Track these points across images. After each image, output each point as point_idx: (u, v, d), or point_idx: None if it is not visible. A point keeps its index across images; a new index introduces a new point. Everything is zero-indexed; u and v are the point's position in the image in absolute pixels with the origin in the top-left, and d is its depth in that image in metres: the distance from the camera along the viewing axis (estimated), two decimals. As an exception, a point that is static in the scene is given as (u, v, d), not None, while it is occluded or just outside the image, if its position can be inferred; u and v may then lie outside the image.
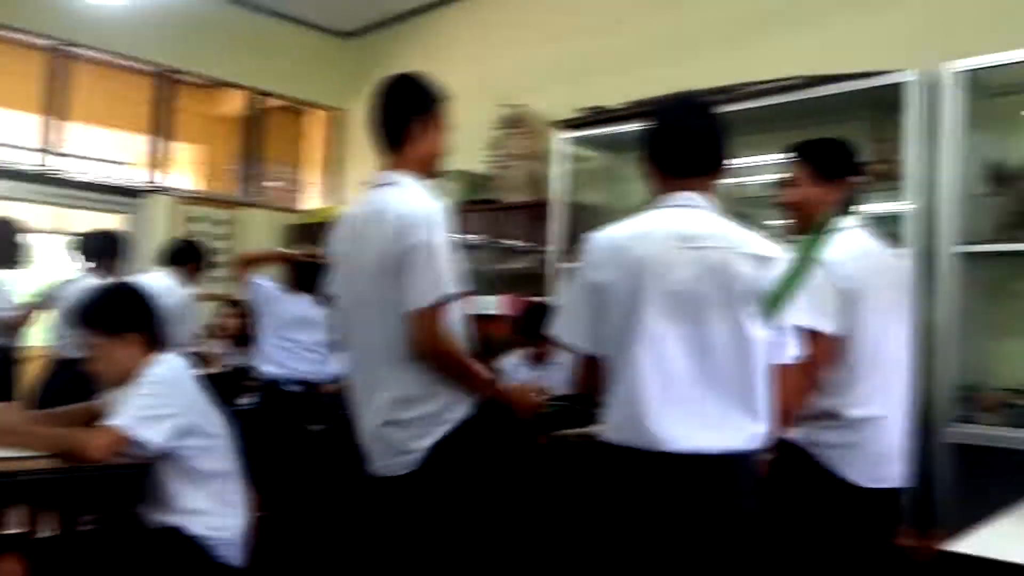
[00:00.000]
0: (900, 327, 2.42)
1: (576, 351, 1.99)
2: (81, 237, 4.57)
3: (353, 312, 2.26)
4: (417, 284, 2.07)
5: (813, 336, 2.20)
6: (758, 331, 1.86)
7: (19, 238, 4.53)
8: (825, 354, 2.24)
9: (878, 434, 2.33)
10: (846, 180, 2.44)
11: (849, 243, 2.36)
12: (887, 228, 3.60)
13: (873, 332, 2.32)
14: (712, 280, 1.84)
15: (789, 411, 2.03)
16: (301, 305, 4.37)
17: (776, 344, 1.92)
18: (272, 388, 4.32)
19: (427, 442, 2.13)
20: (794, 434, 2.38)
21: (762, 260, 1.89)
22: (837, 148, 2.52)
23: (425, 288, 2.08)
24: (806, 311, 2.19)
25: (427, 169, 2.30)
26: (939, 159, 3.35)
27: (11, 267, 4.52)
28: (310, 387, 4.33)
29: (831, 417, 2.32)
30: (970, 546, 1.56)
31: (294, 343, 4.33)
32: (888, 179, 3.70)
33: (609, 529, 1.90)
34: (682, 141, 2.01)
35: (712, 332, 1.84)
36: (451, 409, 2.15)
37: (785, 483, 2.35)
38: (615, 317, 1.87)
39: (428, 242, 2.09)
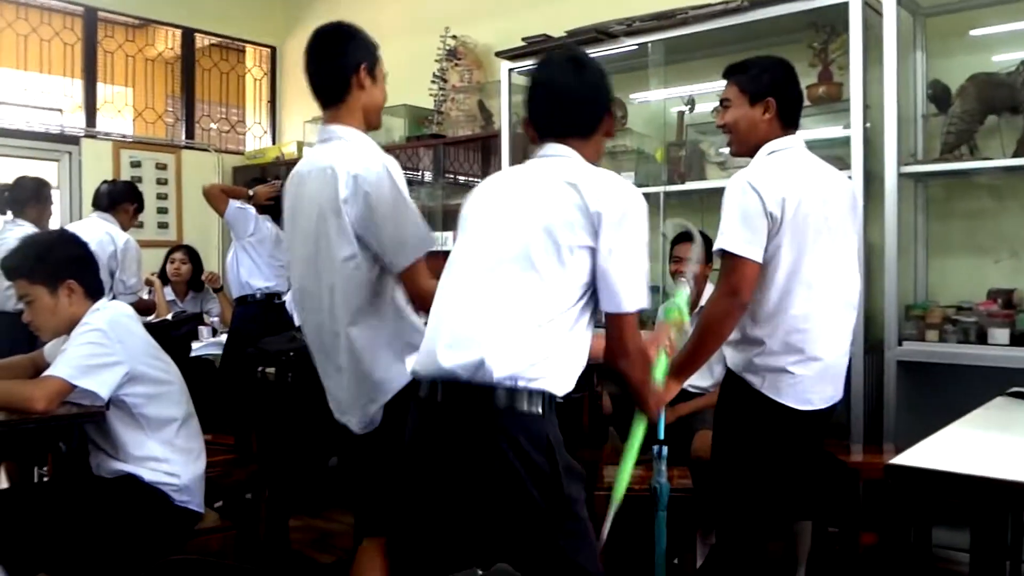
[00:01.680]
0: (838, 251, 2.39)
1: None
2: (4, 187, 4.40)
3: (303, 273, 2.18)
4: (399, 242, 2.02)
5: (739, 261, 2.23)
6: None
7: None
8: (750, 280, 2.25)
9: (808, 361, 2.33)
10: (777, 99, 2.38)
11: (782, 166, 2.35)
12: (832, 151, 3.64)
13: (805, 257, 2.31)
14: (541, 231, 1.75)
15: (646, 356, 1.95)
16: (276, 228, 4.67)
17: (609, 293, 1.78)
18: (271, 299, 4.62)
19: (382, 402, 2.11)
20: (731, 361, 2.43)
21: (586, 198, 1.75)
22: (765, 67, 2.43)
23: (409, 244, 2.04)
24: (733, 237, 2.24)
25: (370, 122, 2.22)
26: (881, 80, 3.35)
27: None
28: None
29: (758, 344, 2.34)
30: (915, 459, 1.60)
31: (278, 261, 4.63)
32: (832, 101, 3.72)
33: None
34: (550, 102, 1.92)
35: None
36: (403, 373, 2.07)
37: (728, 407, 2.43)
38: None
39: (394, 200, 2.03)
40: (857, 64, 3.41)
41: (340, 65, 2.18)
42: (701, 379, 3.43)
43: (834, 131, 3.72)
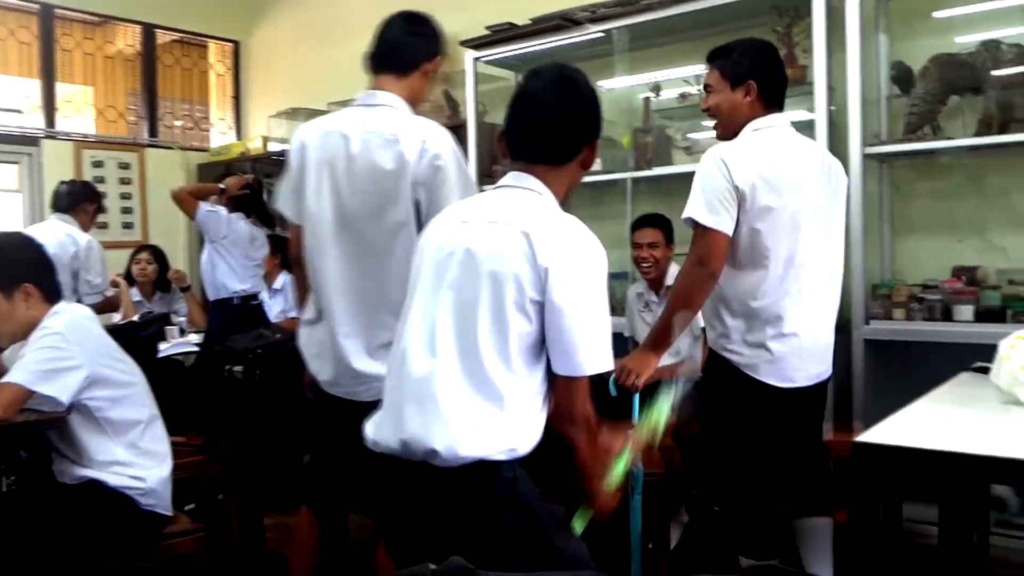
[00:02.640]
0: (818, 230, 2.41)
1: None
2: None
3: (336, 231, 2.19)
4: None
5: (706, 232, 2.28)
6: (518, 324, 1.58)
7: None
8: (718, 250, 2.29)
9: (785, 338, 2.36)
10: (758, 81, 2.42)
11: (758, 144, 2.37)
12: (798, 132, 3.65)
13: (779, 235, 2.33)
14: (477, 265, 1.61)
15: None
16: (249, 226, 4.70)
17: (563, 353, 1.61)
18: (248, 302, 4.66)
19: None
20: (710, 339, 2.47)
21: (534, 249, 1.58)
22: (745, 50, 2.48)
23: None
24: (698, 207, 2.29)
25: (415, 105, 2.28)
26: (845, 63, 3.37)
27: None
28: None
29: (735, 321, 2.39)
30: (881, 436, 1.61)
31: (253, 261, 4.67)
32: (797, 84, 3.73)
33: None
34: (531, 122, 1.74)
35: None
36: None
37: (711, 386, 2.46)
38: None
39: (460, 171, 2.09)
40: (820, 47, 3.42)
41: (422, 44, 2.31)
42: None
43: (799, 114, 3.72)
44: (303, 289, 2.39)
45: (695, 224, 2.31)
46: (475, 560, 1.27)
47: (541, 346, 1.61)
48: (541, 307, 1.58)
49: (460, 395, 1.55)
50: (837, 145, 3.43)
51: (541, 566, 1.54)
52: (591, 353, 1.59)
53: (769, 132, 2.41)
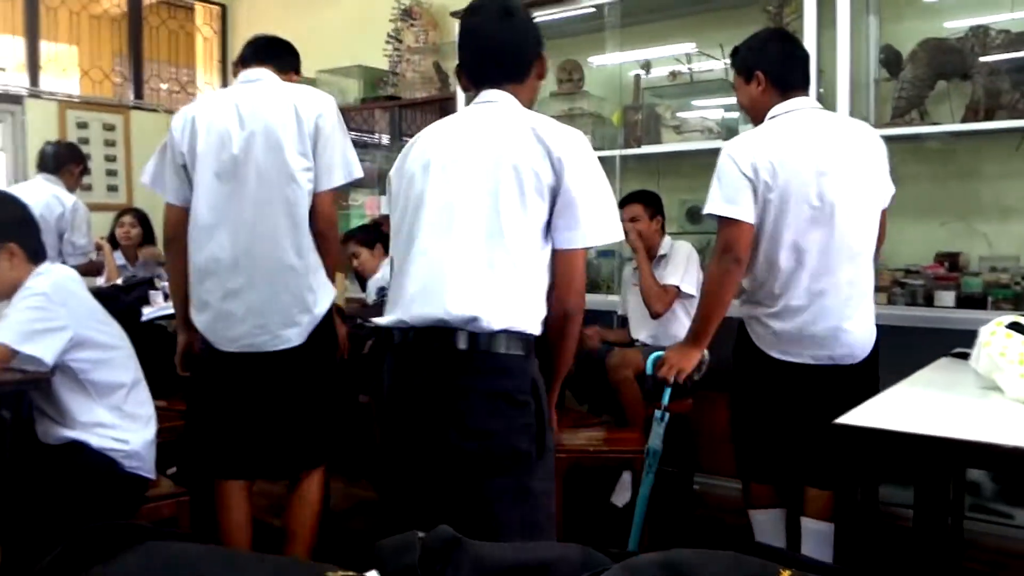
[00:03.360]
0: (834, 212, 2.38)
1: None
2: None
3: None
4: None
5: (727, 223, 2.36)
6: (518, 225, 1.75)
7: None
8: (742, 239, 2.36)
9: (788, 316, 2.42)
10: (763, 69, 2.49)
11: (766, 132, 2.43)
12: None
13: (787, 219, 2.36)
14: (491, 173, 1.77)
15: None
16: None
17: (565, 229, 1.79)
18: None
19: None
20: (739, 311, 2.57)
21: (548, 146, 1.77)
22: (747, 44, 2.58)
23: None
24: (715, 200, 2.37)
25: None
26: (835, 45, 3.37)
27: None
28: None
29: (746, 294, 2.52)
30: (861, 418, 1.63)
31: None
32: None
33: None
34: (480, 50, 1.91)
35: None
36: None
37: (736, 352, 2.55)
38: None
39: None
40: (811, 29, 3.43)
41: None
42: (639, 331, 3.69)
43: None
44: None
45: (718, 218, 2.39)
46: (477, 422, 1.66)
47: (548, 228, 1.79)
48: (554, 192, 1.76)
49: (483, 272, 1.73)
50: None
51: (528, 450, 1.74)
52: (596, 226, 1.78)
53: (786, 117, 2.44)
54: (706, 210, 2.42)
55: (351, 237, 4.28)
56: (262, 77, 2.53)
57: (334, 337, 2.62)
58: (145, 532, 0.74)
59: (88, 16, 6.44)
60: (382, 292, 3.81)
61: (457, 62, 1.98)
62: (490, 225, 1.75)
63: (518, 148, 1.77)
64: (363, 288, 4.31)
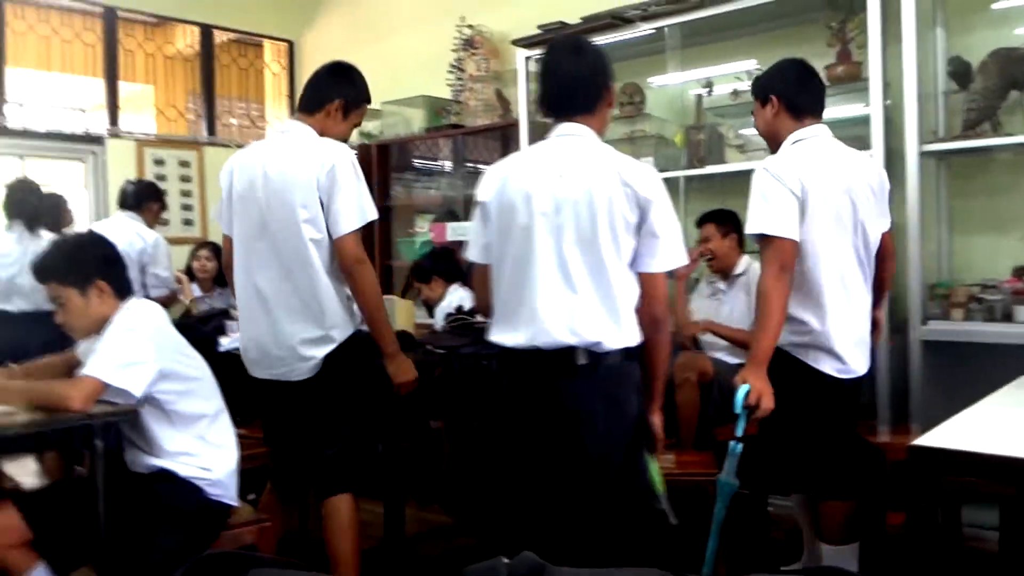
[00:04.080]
0: (859, 233, 2.54)
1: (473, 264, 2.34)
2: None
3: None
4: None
5: (772, 240, 2.42)
6: (614, 258, 2.09)
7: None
8: (788, 255, 2.42)
9: (832, 333, 2.50)
10: (777, 94, 2.61)
11: (799, 154, 2.52)
12: (853, 130, 3.62)
13: (824, 238, 2.47)
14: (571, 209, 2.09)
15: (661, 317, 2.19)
16: None
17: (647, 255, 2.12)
18: None
19: None
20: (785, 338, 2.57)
21: (635, 189, 2.08)
22: (768, 70, 2.72)
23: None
24: (760, 218, 2.43)
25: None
26: (901, 58, 3.33)
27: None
28: None
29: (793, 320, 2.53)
30: (938, 440, 1.61)
31: None
32: (852, 81, 3.70)
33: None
34: (556, 85, 2.23)
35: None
36: None
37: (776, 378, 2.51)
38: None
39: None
40: (876, 42, 3.39)
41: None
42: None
43: (854, 109, 3.70)
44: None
45: (763, 237, 2.43)
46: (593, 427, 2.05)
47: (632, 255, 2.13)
48: (639, 227, 2.10)
49: (595, 302, 2.08)
50: (893, 142, 3.40)
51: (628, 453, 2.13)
52: (673, 254, 2.14)
53: (811, 142, 2.56)
54: (755, 229, 2.46)
55: (413, 275, 4.42)
56: (290, 129, 2.76)
57: (357, 367, 2.74)
58: (250, 560, 0.79)
59: (163, 57, 6.71)
60: (450, 318, 3.87)
61: (538, 93, 2.29)
62: (593, 262, 2.08)
63: (611, 195, 2.07)
64: (431, 314, 4.37)
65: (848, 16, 3.71)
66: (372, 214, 2.66)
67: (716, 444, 3.12)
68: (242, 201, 2.71)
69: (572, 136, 2.19)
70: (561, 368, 2.09)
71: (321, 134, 2.72)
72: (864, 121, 3.46)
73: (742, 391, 2.38)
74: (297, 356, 2.66)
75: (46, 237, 4.22)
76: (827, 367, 2.53)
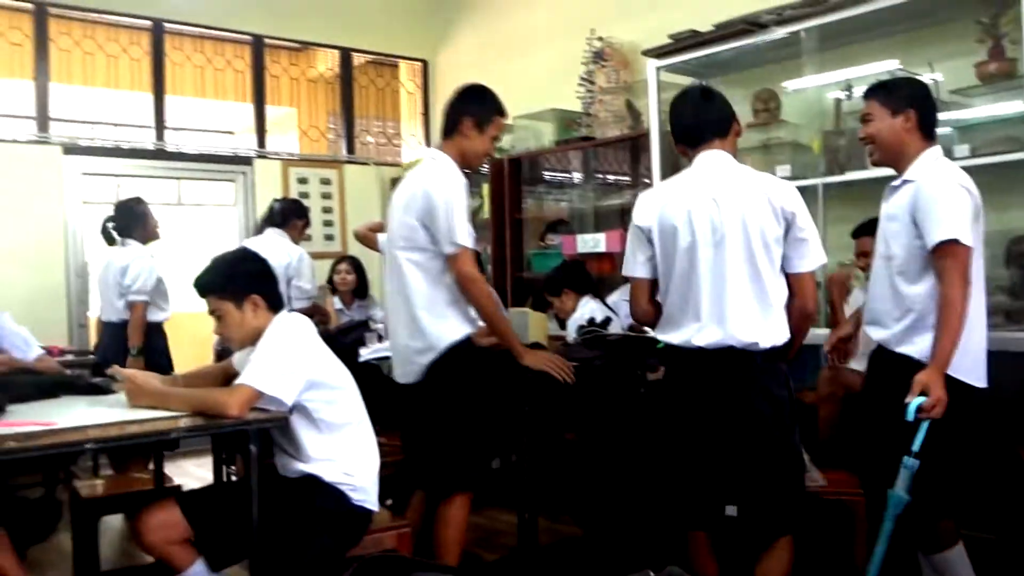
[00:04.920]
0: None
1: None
2: (108, 218, 4.70)
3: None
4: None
5: (967, 250, 2.41)
6: (768, 267, 2.41)
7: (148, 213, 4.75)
8: (970, 267, 2.42)
9: (973, 338, 2.48)
10: (916, 110, 2.56)
11: (960, 169, 2.55)
12: (1008, 130, 3.43)
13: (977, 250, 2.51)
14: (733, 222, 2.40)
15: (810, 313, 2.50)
16: None
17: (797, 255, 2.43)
18: None
19: None
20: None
21: (780, 206, 2.38)
22: (902, 83, 2.72)
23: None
24: (961, 228, 2.40)
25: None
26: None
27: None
28: None
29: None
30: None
31: None
32: (1006, 78, 3.50)
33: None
34: (694, 120, 2.56)
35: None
36: None
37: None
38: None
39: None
40: (1031, 38, 3.20)
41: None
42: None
43: (1012, 106, 3.50)
44: None
45: (949, 244, 2.39)
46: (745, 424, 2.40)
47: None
48: (785, 236, 2.41)
49: (754, 308, 2.40)
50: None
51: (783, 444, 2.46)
52: (817, 254, 2.46)
53: (950, 162, 2.60)
54: (949, 236, 2.38)
55: (544, 288, 4.48)
56: (431, 156, 2.97)
57: (469, 374, 2.87)
58: (413, 564, 0.83)
59: (306, 80, 7.05)
60: (582, 330, 3.89)
61: (672, 132, 2.64)
62: (753, 274, 2.39)
63: (760, 213, 2.38)
64: (562, 327, 4.40)
65: (1001, 11, 3.51)
66: (462, 240, 2.78)
67: (857, 461, 3.00)
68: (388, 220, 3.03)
69: (714, 161, 2.49)
70: (726, 364, 2.42)
71: (462, 153, 2.92)
72: (1020, 120, 3.27)
73: (917, 401, 2.31)
74: (409, 361, 2.91)
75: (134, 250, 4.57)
76: (975, 379, 2.48)
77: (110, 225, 4.67)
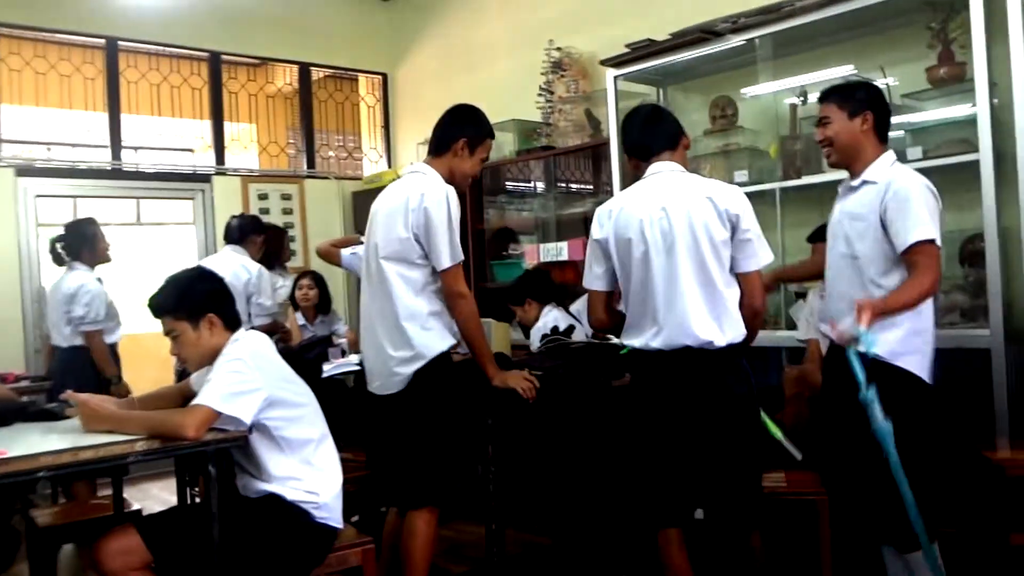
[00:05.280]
0: None
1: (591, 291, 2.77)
2: (57, 238, 4.63)
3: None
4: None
5: (936, 248, 2.50)
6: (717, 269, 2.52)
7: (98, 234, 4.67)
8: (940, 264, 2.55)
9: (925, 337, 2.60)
10: (874, 112, 2.66)
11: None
12: (958, 133, 3.48)
13: None
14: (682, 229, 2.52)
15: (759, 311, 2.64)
16: None
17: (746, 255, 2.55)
18: None
19: None
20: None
21: (725, 208, 2.51)
22: (859, 85, 2.79)
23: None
24: (932, 228, 2.49)
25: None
26: (1008, 57, 3.19)
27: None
28: None
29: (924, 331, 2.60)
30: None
31: None
32: (956, 82, 3.56)
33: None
34: (644, 135, 2.72)
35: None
36: None
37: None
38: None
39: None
40: (979, 42, 3.27)
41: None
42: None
43: (961, 110, 3.56)
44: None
45: (924, 244, 2.47)
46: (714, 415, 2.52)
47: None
48: (731, 238, 2.53)
49: (705, 309, 2.51)
50: (1003, 142, 3.26)
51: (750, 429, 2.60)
52: (764, 253, 2.59)
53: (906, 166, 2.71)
54: (921, 237, 2.47)
55: (507, 300, 4.45)
56: (418, 170, 2.97)
57: (450, 384, 2.87)
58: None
59: (264, 96, 6.99)
60: (545, 339, 3.88)
61: (623, 146, 2.81)
62: (703, 277, 2.51)
63: (706, 218, 2.51)
64: (526, 336, 4.39)
65: (949, 16, 3.58)
66: (448, 259, 2.80)
67: (822, 462, 3.02)
68: (366, 232, 3.04)
69: (664, 172, 2.64)
70: (684, 362, 2.53)
71: (451, 172, 2.94)
72: (970, 123, 3.32)
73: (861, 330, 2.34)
74: (388, 373, 2.86)
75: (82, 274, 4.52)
76: (927, 376, 2.57)
77: (59, 245, 4.59)
